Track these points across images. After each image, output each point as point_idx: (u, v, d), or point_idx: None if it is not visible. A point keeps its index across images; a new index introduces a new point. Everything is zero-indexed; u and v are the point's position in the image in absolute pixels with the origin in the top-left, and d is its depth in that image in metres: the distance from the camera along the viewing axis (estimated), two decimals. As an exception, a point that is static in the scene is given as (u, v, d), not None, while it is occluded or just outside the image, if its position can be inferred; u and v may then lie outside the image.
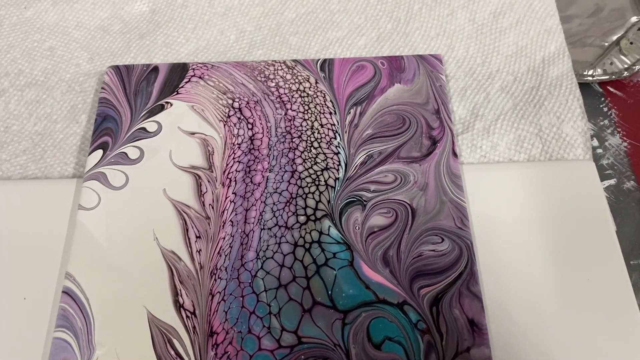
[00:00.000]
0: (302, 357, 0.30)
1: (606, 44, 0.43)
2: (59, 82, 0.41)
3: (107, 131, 0.37)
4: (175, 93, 0.39)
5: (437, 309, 0.31)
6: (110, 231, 0.34)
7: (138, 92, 0.39)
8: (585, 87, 0.42)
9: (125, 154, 0.36)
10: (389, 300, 0.31)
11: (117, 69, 0.40)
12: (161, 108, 0.38)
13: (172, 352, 0.30)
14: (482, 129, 0.38)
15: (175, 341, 0.30)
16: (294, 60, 0.40)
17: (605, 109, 0.41)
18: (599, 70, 0.41)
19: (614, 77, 0.41)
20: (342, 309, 0.31)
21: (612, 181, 0.38)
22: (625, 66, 0.41)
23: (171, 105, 0.38)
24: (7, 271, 0.34)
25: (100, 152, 0.36)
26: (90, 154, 0.36)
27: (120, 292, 0.32)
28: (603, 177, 0.38)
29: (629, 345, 0.31)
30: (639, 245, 0.36)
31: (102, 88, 0.39)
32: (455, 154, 0.36)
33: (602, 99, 0.42)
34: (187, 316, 0.31)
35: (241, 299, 0.31)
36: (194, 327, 0.31)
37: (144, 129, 0.37)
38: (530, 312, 0.32)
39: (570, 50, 0.42)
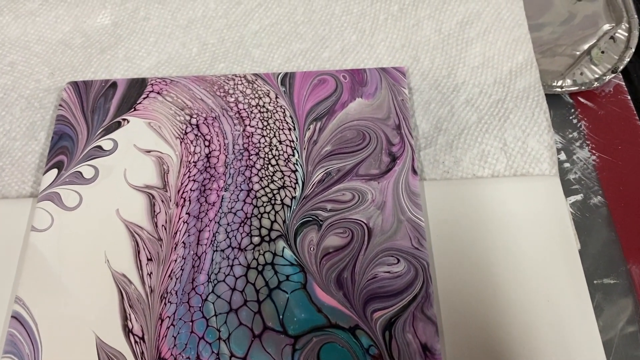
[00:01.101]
0: (250, 384, 0.29)
1: (577, 52, 0.42)
2: (18, 98, 0.40)
3: (62, 150, 0.36)
4: (133, 109, 0.38)
5: (390, 334, 0.30)
6: (62, 253, 0.33)
7: (95, 109, 0.38)
8: (555, 98, 0.41)
9: (80, 173, 0.36)
10: (341, 325, 0.31)
11: (75, 85, 0.39)
12: (118, 125, 0.37)
13: (119, 379, 0.30)
14: (445, 144, 0.37)
15: (122, 368, 0.30)
16: (255, 74, 0.39)
17: (575, 121, 0.40)
18: (568, 81, 0.40)
19: (583, 87, 0.40)
20: (292, 334, 0.30)
21: (579, 197, 0.37)
22: (596, 76, 0.40)
23: (128, 122, 0.37)
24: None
25: (55, 171, 0.36)
26: (45, 173, 0.36)
27: (70, 316, 0.31)
28: (569, 193, 0.37)
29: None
30: (603, 264, 0.35)
31: (60, 105, 0.38)
32: (415, 171, 0.35)
33: (572, 110, 0.41)
34: (135, 341, 0.31)
35: (191, 323, 0.31)
36: (142, 353, 0.30)
37: (99, 147, 0.37)
38: (489, 335, 0.31)
39: (539, 60, 0.41)
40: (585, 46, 0.42)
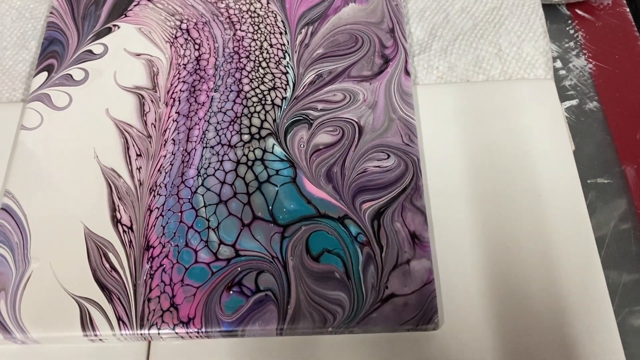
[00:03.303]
0: (239, 269, 0.29)
1: (576, -35, 0.41)
2: (9, 9, 0.40)
3: (53, 54, 0.36)
4: (124, 16, 0.38)
5: (379, 223, 0.30)
6: (51, 150, 0.33)
7: (86, 16, 0.38)
8: (551, 9, 0.40)
9: (70, 75, 0.35)
10: (330, 215, 0.30)
11: (66, -7, 0.39)
12: (108, 31, 0.37)
13: (107, 265, 0.30)
14: (440, 50, 0.37)
15: (110, 254, 0.30)
16: (246, -18, 0.39)
17: (572, 32, 0.39)
18: (566, -10, 0.39)
19: (581, -3, 0.39)
20: (282, 224, 0.30)
21: (574, 102, 0.37)
22: (594, -13, 0.40)
23: (118, 27, 0.37)
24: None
25: (45, 74, 0.36)
26: (35, 76, 0.35)
27: (58, 208, 0.31)
28: (565, 98, 0.37)
29: (577, 267, 0.30)
30: (597, 164, 0.34)
31: (51, 13, 0.38)
32: (407, 73, 0.34)
33: (569, 21, 0.40)
34: (123, 231, 0.31)
35: (180, 214, 0.31)
36: (130, 241, 0.30)
37: (90, 51, 0.36)
38: (478, 228, 0.31)
39: (537, -28, 0.40)
40: (584, -42, 0.41)
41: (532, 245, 0.31)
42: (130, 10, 0.38)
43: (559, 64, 0.38)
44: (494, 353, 0.28)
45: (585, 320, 0.29)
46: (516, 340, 0.28)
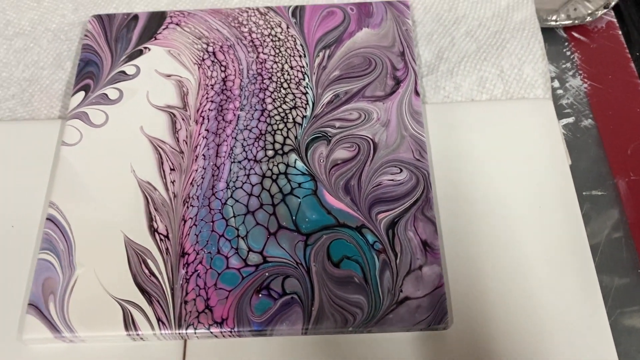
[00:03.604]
0: (267, 274, 0.32)
1: (572, -10, 0.44)
2: (45, 31, 0.43)
3: (89, 74, 0.39)
4: (154, 39, 0.41)
5: (393, 232, 0.33)
6: (91, 164, 0.36)
7: (118, 39, 0.41)
8: (549, 32, 0.43)
9: (106, 94, 0.38)
10: (348, 224, 0.33)
11: (99, 17, 0.42)
12: (140, 53, 0.40)
13: (146, 271, 0.32)
14: (446, 71, 0.40)
15: (149, 261, 0.33)
16: (267, 7, 0.42)
17: (569, 53, 0.43)
18: (562, 15, 0.43)
19: (577, 22, 0.42)
20: (304, 232, 0.33)
21: (571, 119, 0.40)
22: (589, 12, 0.43)
23: (149, 50, 0.40)
24: (-3, 203, 0.36)
25: (82, 93, 0.38)
26: (73, 95, 0.38)
27: (99, 218, 0.34)
28: (562, 116, 0.40)
29: (573, 272, 0.33)
30: (592, 178, 0.37)
31: (85, 35, 0.41)
32: (417, 93, 0.37)
33: (566, 43, 0.43)
34: (160, 239, 0.33)
35: (211, 223, 0.34)
36: (167, 249, 0.33)
37: (123, 72, 0.39)
38: (484, 236, 0.34)
39: (536, -3, 0.44)
40: (580, -16, 0.44)
41: (532, 251, 0.34)
42: (160, 33, 0.41)
43: (556, 83, 0.41)
44: (499, 350, 0.31)
45: (580, 321, 0.32)
46: (518, 338, 0.31)
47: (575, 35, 0.43)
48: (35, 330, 0.31)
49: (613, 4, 0.42)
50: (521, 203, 0.35)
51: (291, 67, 0.39)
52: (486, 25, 0.42)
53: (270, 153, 0.36)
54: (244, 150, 0.36)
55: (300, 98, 0.38)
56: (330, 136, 0.36)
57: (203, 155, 0.36)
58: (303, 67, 0.39)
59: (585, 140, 0.39)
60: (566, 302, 0.32)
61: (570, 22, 0.42)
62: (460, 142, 0.37)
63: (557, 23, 0.42)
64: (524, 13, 0.42)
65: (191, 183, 0.35)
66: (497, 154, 0.37)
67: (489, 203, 0.35)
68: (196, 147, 0.36)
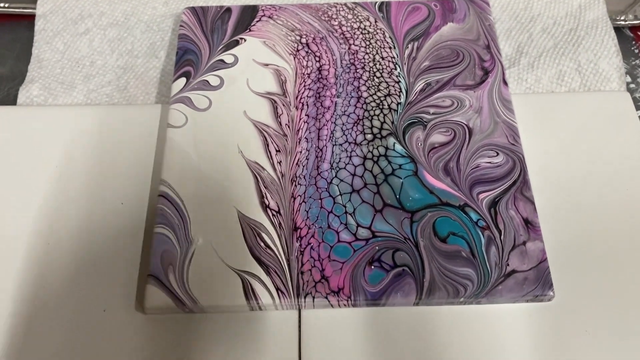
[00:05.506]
0: (377, 247, 0.34)
1: (637, -7, 0.47)
2: (138, 22, 0.45)
3: (188, 62, 0.41)
4: (248, 30, 0.42)
5: (495, 210, 0.35)
6: (198, 145, 0.38)
7: (214, 30, 0.42)
8: (616, 32, 0.46)
9: (207, 81, 0.40)
10: (451, 203, 0.35)
11: (193, 9, 0.44)
12: (236, 43, 0.42)
13: (262, 244, 0.34)
14: (527, 65, 0.42)
15: (264, 234, 0.34)
16: (354, 2, 0.44)
17: (637, 51, 0.45)
18: (630, 15, 0.45)
19: (645, 21, 0.45)
20: (409, 210, 0.35)
21: (644, 111, 0.42)
22: (655, 12, 0.45)
23: (245, 40, 0.42)
24: (103, 182, 0.38)
25: (183, 79, 0.40)
26: (174, 81, 0.40)
27: (211, 195, 0.36)
28: (636, 108, 0.42)
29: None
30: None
31: (181, 25, 0.43)
32: (505, 83, 0.40)
33: (633, 42, 0.46)
34: (272, 215, 0.35)
35: (320, 201, 0.35)
36: (280, 224, 0.35)
37: (222, 60, 0.41)
38: (579, 213, 0.36)
39: (604, -1, 0.46)
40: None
41: (623, 225, 0.36)
42: (254, 25, 0.43)
43: (628, 78, 0.43)
44: (602, 319, 0.33)
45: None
46: (618, 309, 0.33)
47: (641, 34, 0.46)
48: (157, 299, 0.33)
49: (677, 6, 0.45)
50: (604, 186, 0.37)
51: (382, 58, 0.41)
52: (561, 23, 0.44)
53: (369, 137, 0.38)
54: (344, 134, 0.38)
55: (393, 86, 0.40)
56: (425, 122, 0.38)
57: (305, 138, 0.38)
58: (394, 57, 0.41)
59: (660, 130, 0.41)
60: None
61: (639, 22, 0.45)
62: (543, 130, 0.39)
63: (627, 23, 0.45)
64: (596, 12, 0.44)
65: (297, 164, 0.37)
66: (579, 140, 0.39)
67: (576, 185, 0.37)
68: (298, 130, 0.38)
